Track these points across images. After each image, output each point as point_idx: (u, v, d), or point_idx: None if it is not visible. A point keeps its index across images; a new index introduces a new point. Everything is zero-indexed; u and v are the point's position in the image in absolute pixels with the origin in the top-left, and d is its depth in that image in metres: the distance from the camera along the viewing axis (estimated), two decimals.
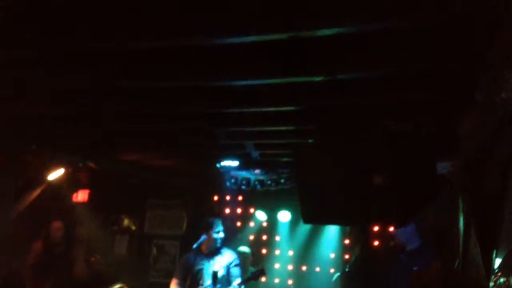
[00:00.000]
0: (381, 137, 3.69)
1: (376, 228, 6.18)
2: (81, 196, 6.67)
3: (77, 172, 6.10)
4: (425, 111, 3.45)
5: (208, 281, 4.45)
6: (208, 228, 4.58)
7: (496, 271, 2.43)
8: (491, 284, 2.49)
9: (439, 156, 3.60)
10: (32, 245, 5.15)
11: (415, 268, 3.59)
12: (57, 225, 5.14)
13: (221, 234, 4.58)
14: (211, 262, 4.53)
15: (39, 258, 5.08)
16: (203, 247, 4.60)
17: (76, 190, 6.63)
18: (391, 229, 4.76)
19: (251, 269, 6.33)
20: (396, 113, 3.56)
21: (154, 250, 7.78)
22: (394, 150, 3.67)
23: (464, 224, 3.48)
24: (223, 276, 4.49)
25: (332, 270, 5.87)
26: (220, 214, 4.86)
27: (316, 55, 2.74)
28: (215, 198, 7.48)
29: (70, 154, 5.35)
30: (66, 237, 5.20)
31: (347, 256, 5.96)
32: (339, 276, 5.81)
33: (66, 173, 5.52)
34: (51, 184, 5.52)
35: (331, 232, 6.40)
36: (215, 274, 4.45)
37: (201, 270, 4.51)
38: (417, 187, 3.66)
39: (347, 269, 5.41)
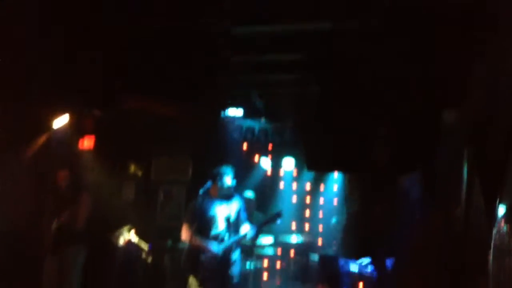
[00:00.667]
0: (386, 86, 3.64)
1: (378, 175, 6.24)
2: (87, 142, 6.72)
3: (83, 119, 6.11)
4: (436, 56, 3.36)
5: (221, 226, 4.52)
6: (216, 175, 4.61)
7: (500, 219, 2.46)
8: (494, 231, 2.53)
9: (447, 104, 3.56)
10: (42, 192, 5.31)
11: (418, 217, 3.64)
12: (64, 173, 5.20)
13: (229, 181, 4.59)
14: (224, 207, 4.57)
15: (49, 204, 5.22)
16: (212, 193, 4.63)
17: (81, 136, 6.69)
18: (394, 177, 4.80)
19: (256, 213, 6.48)
20: (402, 62, 3.47)
21: (161, 195, 7.94)
22: (399, 97, 3.64)
23: (468, 173, 3.49)
24: (234, 221, 4.55)
25: (334, 215, 5.99)
26: (227, 161, 4.86)
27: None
28: (220, 145, 7.54)
29: (75, 101, 5.31)
30: (73, 184, 5.27)
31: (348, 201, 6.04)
32: (337, 221, 5.96)
33: (71, 120, 5.52)
34: (57, 131, 5.53)
35: (335, 178, 6.47)
36: (228, 219, 4.53)
37: (213, 215, 4.56)
38: (422, 136, 3.65)
39: (345, 213, 5.51)
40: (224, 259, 4.44)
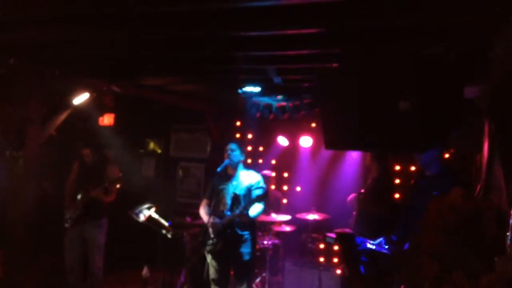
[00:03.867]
0: (408, 61, 3.56)
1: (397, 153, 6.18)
2: (107, 120, 6.82)
3: (102, 97, 6.19)
4: (455, 33, 3.27)
5: (228, 201, 4.54)
6: (227, 151, 4.65)
7: None
8: None
9: (467, 80, 3.48)
10: (72, 166, 5.41)
11: (435, 193, 3.59)
12: (86, 152, 5.31)
13: (234, 157, 4.59)
14: (233, 183, 4.60)
15: (77, 175, 5.34)
16: (229, 170, 4.68)
17: (102, 114, 6.78)
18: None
19: (275, 192, 6.51)
20: (425, 36, 3.39)
21: (180, 172, 8.05)
22: (420, 75, 3.55)
23: (489, 150, 3.43)
24: (244, 197, 4.54)
25: (351, 193, 5.97)
26: (241, 139, 4.86)
27: None
28: (238, 123, 7.56)
29: (95, 78, 5.37)
30: (97, 160, 5.37)
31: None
32: (354, 197, 5.94)
33: (91, 98, 5.58)
34: (77, 108, 5.61)
35: (353, 156, 6.43)
36: (235, 196, 4.53)
37: (222, 190, 4.60)
38: (442, 112, 3.58)
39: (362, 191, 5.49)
40: (228, 235, 4.46)
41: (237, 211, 4.41)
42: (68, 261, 5.20)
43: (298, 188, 7.18)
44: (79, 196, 5.14)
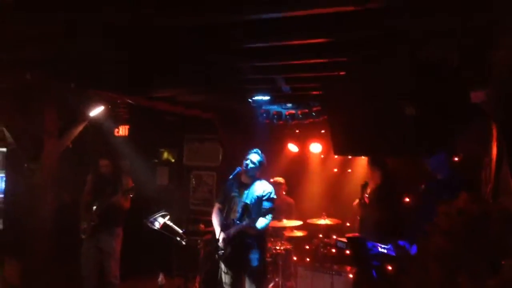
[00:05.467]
0: (413, 68, 3.63)
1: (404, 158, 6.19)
2: (122, 131, 6.98)
3: (117, 109, 6.32)
4: (459, 39, 3.33)
5: (239, 210, 4.57)
6: (246, 160, 4.70)
7: None
8: None
9: (472, 84, 3.52)
10: (87, 177, 5.50)
11: (444, 197, 3.62)
12: (104, 162, 5.39)
13: (249, 164, 4.61)
14: (245, 192, 4.63)
15: (92, 186, 5.42)
16: (242, 178, 4.71)
17: (116, 125, 6.93)
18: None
19: (286, 198, 6.57)
20: (429, 42, 3.45)
21: (193, 180, 8.15)
22: (426, 80, 3.61)
23: (497, 153, 3.46)
24: (254, 207, 4.57)
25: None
26: (251, 147, 4.92)
27: None
28: (248, 131, 7.65)
29: (109, 91, 5.49)
30: (114, 170, 5.47)
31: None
32: (358, 203, 5.97)
33: (106, 110, 5.71)
34: (93, 120, 5.74)
35: (362, 161, 6.47)
36: (245, 205, 4.55)
37: (234, 198, 4.64)
38: (449, 117, 3.63)
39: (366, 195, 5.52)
40: (237, 243, 4.51)
41: (245, 223, 4.46)
42: (85, 270, 5.28)
43: (309, 194, 7.24)
44: (94, 207, 5.24)
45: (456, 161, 4.53)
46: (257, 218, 4.50)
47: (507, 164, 3.23)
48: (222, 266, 4.68)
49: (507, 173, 3.21)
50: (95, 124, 5.96)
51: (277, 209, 4.88)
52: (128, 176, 5.56)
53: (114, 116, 6.45)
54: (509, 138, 3.22)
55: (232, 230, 4.51)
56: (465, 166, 4.36)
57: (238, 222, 4.54)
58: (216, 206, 4.86)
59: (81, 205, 5.41)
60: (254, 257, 4.59)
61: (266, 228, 4.71)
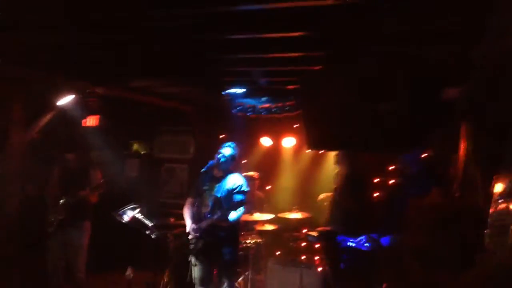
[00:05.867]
0: (389, 64, 3.68)
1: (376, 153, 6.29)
2: (91, 121, 6.79)
3: (87, 98, 6.15)
4: (435, 38, 3.39)
5: (210, 203, 4.57)
6: (219, 153, 4.66)
7: (498, 198, 2.51)
8: (491, 210, 2.59)
9: (446, 83, 3.60)
10: (53, 170, 5.35)
11: (412, 192, 3.70)
12: (71, 156, 5.28)
13: (221, 157, 4.60)
14: (216, 185, 4.63)
15: (59, 180, 5.29)
16: (214, 171, 4.70)
17: (86, 115, 6.75)
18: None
19: (258, 193, 6.59)
20: (405, 40, 3.50)
21: (164, 173, 8.05)
22: (401, 77, 3.67)
23: (466, 150, 3.55)
24: (225, 200, 4.56)
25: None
26: (225, 140, 4.90)
27: None
28: (222, 124, 7.61)
29: (80, 79, 5.35)
30: (81, 164, 5.36)
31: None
32: (325, 197, 6.04)
33: (75, 99, 5.56)
34: (61, 109, 5.58)
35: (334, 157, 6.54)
36: (216, 198, 4.56)
37: (205, 191, 4.63)
38: (422, 114, 3.70)
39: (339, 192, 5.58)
40: (209, 237, 4.51)
41: (216, 216, 4.45)
42: (51, 265, 5.16)
43: (281, 188, 7.27)
44: (62, 201, 5.11)
45: (426, 157, 4.64)
46: (229, 211, 4.48)
47: (475, 161, 3.32)
48: (192, 260, 4.64)
49: (475, 170, 3.30)
50: (63, 113, 5.79)
51: (249, 203, 4.88)
52: (98, 170, 5.44)
53: (83, 106, 6.28)
54: (477, 136, 3.30)
55: (204, 224, 4.50)
56: (434, 162, 4.47)
57: (209, 215, 4.52)
58: (188, 200, 4.83)
59: (47, 199, 5.27)
60: (226, 251, 4.59)
61: (238, 221, 4.70)
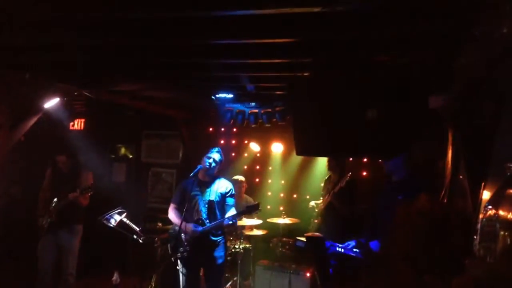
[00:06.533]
0: (375, 72, 3.71)
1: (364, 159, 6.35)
2: (77, 125, 6.74)
3: (73, 101, 6.10)
4: (420, 46, 3.42)
5: (202, 208, 4.57)
6: (203, 158, 4.69)
7: (487, 204, 2.52)
8: (481, 216, 2.60)
9: (431, 90, 3.63)
10: (44, 172, 5.34)
11: (399, 198, 3.71)
12: (62, 159, 5.26)
13: (212, 162, 4.63)
14: (207, 190, 4.64)
15: (50, 182, 5.27)
16: (200, 176, 4.70)
17: (72, 119, 6.69)
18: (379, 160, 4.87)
19: (247, 197, 6.57)
20: (391, 48, 3.53)
21: (151, 177, 7.99)
22: (387, 85, 3.70)
23: (453, 157, 3.58)
24: (218, 204, 4.61)
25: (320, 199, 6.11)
26: (215, 145, 4.91)
27: None
28: (210, 129, 7.60)
29: (66, 83, 5.29)
30: (72, 167, 5.33)
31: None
32: (315, 204, 6.08)
33: (61, 102, 5.50)
34: (47, 113, 5.52)
35: (322, 162, 6.58)
36: (210, 202, 4.59)
37: (196, 196, 4.61)
38: (408, 121, 3.73)
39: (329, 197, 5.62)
40: (202, 241, 4.50)
41: (227, 220, 4.48)
42: (42, 267, 5.10)
43: (269, 193, 7.27)
44: (53, 203, 5.07)
45: (413, 163, 4.67)
46: (217, 214, 4.55)
47: (464, 168, 3.34)
48: (180, 266, 4.61)
49: (463, 177, 3.32)
50: (49, 116, 5.73)
51: (237, 208, 4.88)
52: (89, 172, 5.41)
53: (69, 109, 6.23)
54: (466, 143, 3.33)
55: (206, 228, 4.48)
56: (421, 169, 4.50)
57: (207, 220, 4.53)
58: (172, 206, 4.80)
59: (39, 201, 5.25)
60: (218, 255, 4.59)
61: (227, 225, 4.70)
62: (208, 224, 4.51)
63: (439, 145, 3.83)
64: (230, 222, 4.53)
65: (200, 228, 4.48)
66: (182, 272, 4.62)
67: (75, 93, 5.51)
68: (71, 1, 3.07)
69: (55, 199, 5.08)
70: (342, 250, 4.42)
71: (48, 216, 5.08)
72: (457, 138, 3.49)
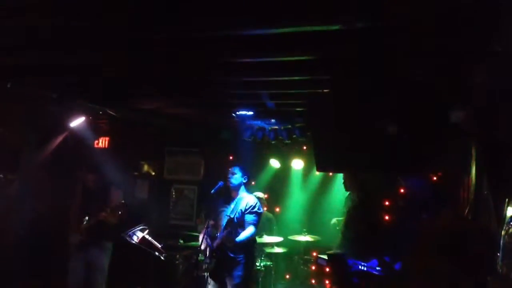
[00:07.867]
0: (395, 87, 3.69)
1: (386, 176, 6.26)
2: (102, 143, 6.88)
3: (98, 120, 6.24)
4: (439, 60, 3.41)
5: (222, 224, 4.63)
6: (226, 175, 4.73)
7: (509, 220, 2.48)
8: (503, 232, 2.55)
9: (452, 105, 3.60)
10: (71, 189, 5.40)
11: (424, 216, 3.67)
12: (91, 177, 5.30)
13: (234, 180, 4.69)
14: (229, 206, 4.70)
15: (80, 200, 5.31)
16: (232, 193, 4.76)
17: (97, 137, 6.83)
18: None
19: (267, 214, 6.56)
20: (410, 63, 3.52)
21: (173, 194, 8.05)
22: (407, 100, 3.68)
23: (477, 173, 3.53)
24: (238, 220, 4.60)
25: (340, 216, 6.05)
26: (236, 162, 4.95)
27: (333, 3, 2.70)
28: (231, 146, 7.63)
29: (90, 102, 5.43)
30: (101, 185, 5.37)
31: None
32: (337, 221, 6.01)
33: (87, 121, 5.64)
34: (73, 131, 5.65)
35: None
36: (229, 219, 4.59)
37: (221, 212, 4.70)
38: (429, 137, 3.69)
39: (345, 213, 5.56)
40: (221, 257, 4.53)
41: (222, 234, 4.52)
42: (72, 285, 5.14)
43: (290, 210, 7.23)
44: (84, 221, 5.10)
45: (435, 180, 4.61)
46: (237, 231, 4.52)
47: (488, 183, 3.29)
48: (209, 279, 4.64)
49: (487, 192, 3.26)
50: (74, 135, 5.86)
51: (259, 225, 4.87)
52: (118, 190, 5.47)
53: (94, 127, 6.37)
54: (489, 158, 3.28)
55: (215, 243, 4.54)
56: (443, 185, 4.43)
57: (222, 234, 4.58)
58: (199, 221, 4.86)
59: (70, 219, 5.28)
60: (236, 274, 4.57)
61: (250, 243, 4.69)
62: (219, 235, 4.54)
63: (463, 159, 3.77)
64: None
65: (209, 243, 4.54)
66: (209, 284, 4.63)
67: (100, 112, 5.63)
68: (95, 22, 3.16)
69: (86, 217, 5.10)
70: (365, 268, 4.36)
71: (79, 233, 5.11)
72: (480, 153, 3.45)
